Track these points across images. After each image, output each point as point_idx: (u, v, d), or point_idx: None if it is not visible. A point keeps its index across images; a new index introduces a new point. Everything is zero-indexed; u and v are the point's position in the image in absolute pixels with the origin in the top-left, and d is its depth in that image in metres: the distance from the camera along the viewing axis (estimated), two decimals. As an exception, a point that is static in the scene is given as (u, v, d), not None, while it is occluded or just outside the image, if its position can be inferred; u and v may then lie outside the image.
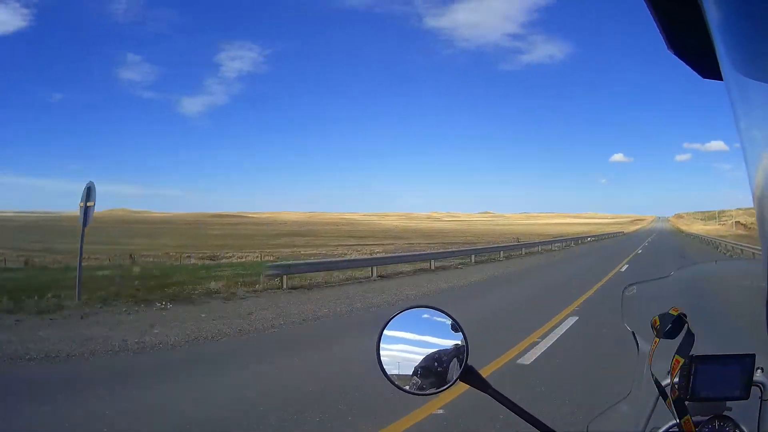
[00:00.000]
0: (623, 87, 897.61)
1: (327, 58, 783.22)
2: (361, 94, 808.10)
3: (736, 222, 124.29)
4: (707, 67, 0.63)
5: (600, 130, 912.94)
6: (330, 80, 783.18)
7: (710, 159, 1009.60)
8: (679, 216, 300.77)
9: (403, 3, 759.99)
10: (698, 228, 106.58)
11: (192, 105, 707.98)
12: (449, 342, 1.09)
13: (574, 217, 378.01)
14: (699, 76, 0.71)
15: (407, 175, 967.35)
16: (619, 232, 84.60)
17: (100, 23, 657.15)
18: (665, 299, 1.22)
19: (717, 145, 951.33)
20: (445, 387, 1.08)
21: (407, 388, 1.09)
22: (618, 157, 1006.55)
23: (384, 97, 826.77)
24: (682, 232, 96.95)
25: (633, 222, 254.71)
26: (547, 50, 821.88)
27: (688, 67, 0.70)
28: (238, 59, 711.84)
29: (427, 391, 1.08)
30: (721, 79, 0.53)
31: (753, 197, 0.49)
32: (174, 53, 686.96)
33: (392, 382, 1.10)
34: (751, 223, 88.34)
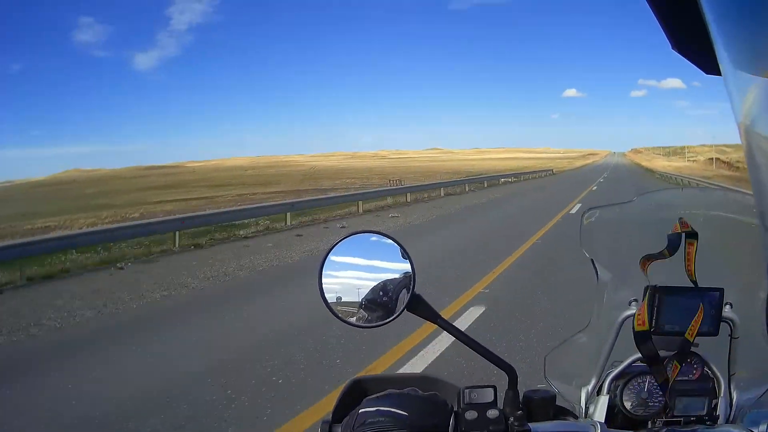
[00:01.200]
0: (576, 23, 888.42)
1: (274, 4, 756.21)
2: (309, 33, 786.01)
3: (713, 159, 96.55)
4: (708, 61, 0.61)
5: (552, 66, 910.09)
6: (275, 24, 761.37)
7: (667, 96, 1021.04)
8: (636, 150, 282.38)
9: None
10: (662, 164, 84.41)
11: (145, 60, 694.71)
12: (397, 269, 1.00)
13: (527, 151, 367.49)
14: (699, 73, 0.69)
15: (356, 114, 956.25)
16: (548, 170, 58.88)
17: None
18: (626, 225, 1.23)
19: (674, 82, 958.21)
20: (391, 317, 0.98)
21: (352, 320, 1.00)
22: (571, 92, 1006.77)
23: (334, 35, 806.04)
24: (643, 168, 73.51)
25: (585, 156, 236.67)
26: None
27: (688, 63, 0.70)
28: (188, 11, 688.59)
29: (374, 323, 0.99)
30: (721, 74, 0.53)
31: (754, 192, 0.50)
32: (124, 10, 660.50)
33: (335, 314, 0.99)
34: (737, 161, 68.76)
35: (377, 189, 25.64)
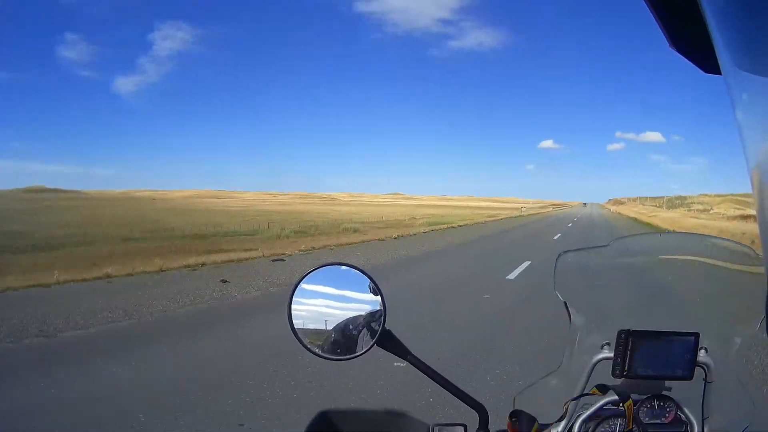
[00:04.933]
0: (554, 75, 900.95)
1: (256, 42, 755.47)
2: (288, 78, 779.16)
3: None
4: (708, 61, 0.60)
5: (530, 117, 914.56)
6: (257, 65, 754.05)
7: (646, 149, 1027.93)
8: (617, 201, 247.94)
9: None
10: (692, 222, 44.28)
11: (125, 84, 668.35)
12: (366, 303, 0.99)
13: (491, 200, 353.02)
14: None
15: (330, 159, 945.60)
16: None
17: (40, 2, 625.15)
18: (602, 269, 1.22)
19: (653, 136, 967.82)
20: (360, 352, 0.98)
21: (318, 351, 0.98)
22: (547, 143, 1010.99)
23: (314, 81, 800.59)
24: (649, 226, 38.04)
25: (543, 207, 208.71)
26: (477, 37, 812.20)
27: (687, 62, 0.67)
28: (169, 38, 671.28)
29: (341, 356, 0.98)
30: (721, 73, 0.53)
31: (753, 193, 0.48)
32: (109, 32, 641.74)
33: (301, 342, 0.99)
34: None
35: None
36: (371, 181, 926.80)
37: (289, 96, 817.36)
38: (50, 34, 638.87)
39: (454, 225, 34.94)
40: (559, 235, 26.09)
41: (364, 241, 20.92)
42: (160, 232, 27.92)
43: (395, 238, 22.83)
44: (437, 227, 32.45)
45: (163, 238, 24.93)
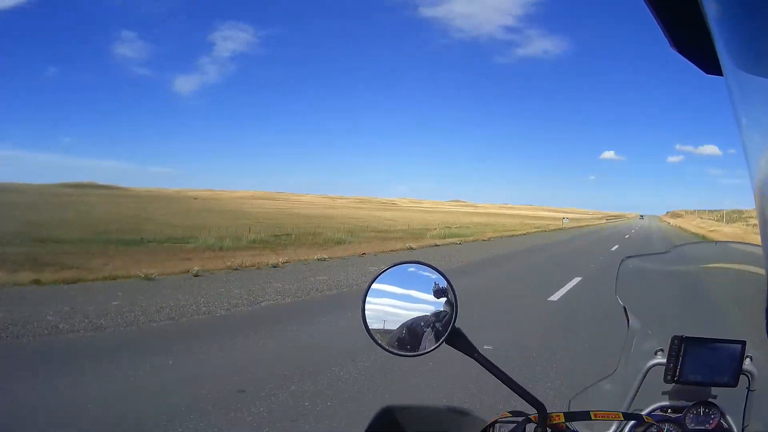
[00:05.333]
0: (618, 85, 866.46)
1: (320, 44, 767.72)
2: (353, 81, 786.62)
3: None
4: (709, 62, 0.61)
5: (592, 127, 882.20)
6: (321, 67, 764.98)
7: (703, 163, 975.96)
8: (675, 214, 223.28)
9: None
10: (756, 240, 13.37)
11: (185, 84, 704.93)
12: (439, 301, 1.00)
13: (550, 210, 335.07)
14: (700, 74, 0.68)
15: (393, 164, 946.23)
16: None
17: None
18: (662, 275, 1.25)
19: (710, 149, 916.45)
20: (429, 349, 0.98)
21: (387, 346, 1.00)
22: (609, 154, 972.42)
23: (378, 85, 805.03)
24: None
25: (604, 218, 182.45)
26: (542, 45, 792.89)
27: (690, 64, 0.68)
28: (231, 39, 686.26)
29: (411, 352, 0.99)
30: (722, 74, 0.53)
31: (753, 193, 0.48)
32: (167, 31, 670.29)
33: (374, 339, 1.01)
34: None
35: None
36: (434, 188, 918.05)
37: (355, 100, 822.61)
38: (107, 31, 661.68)
39: (468, 238, 27.54)
40: (592, 265, 17.92)
41: (301, 261, 14.65)
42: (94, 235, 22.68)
43: (360, 256, 16.43)
44: (444, 240, 25.41)
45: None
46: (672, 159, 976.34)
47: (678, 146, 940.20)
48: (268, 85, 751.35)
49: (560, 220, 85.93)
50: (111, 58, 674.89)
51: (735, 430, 1.05)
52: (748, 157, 0.47)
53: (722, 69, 0.50)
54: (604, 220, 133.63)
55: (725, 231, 51.76)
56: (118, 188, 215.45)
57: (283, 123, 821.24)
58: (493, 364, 0.98)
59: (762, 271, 1.07)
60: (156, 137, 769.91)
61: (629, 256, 1.19)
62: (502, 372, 0.99)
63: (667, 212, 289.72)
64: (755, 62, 0.47)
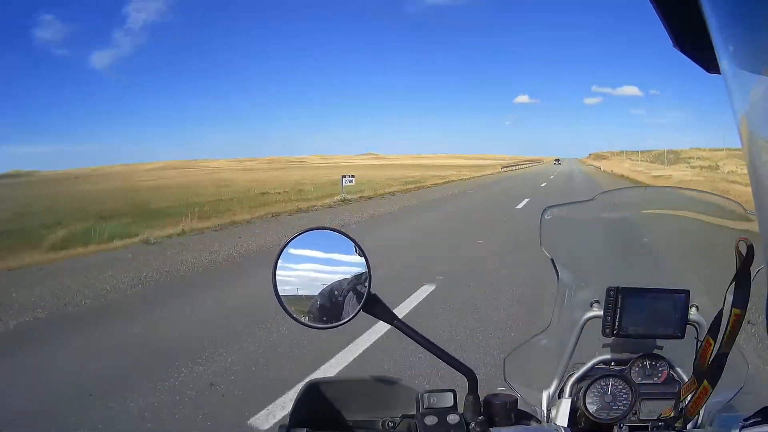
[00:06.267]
0: (528, 28, 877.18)
1: (219, 5, 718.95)
2: (262, 37, 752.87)
3: None
4: (710, 60, 0.60)
5: (504, 72, 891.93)
6: (226, 26, 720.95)
7: (624, 103, 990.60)
8: (600, 156, 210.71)
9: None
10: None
11: (100, 59, 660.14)
12: (352, 268, 0.97)
13: (465, 158, 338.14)
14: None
15: (304, 121, 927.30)
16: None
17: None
18: (588, 224, 1.21)
19: (630, 90, 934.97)
20: (346, 319, 0.95)
21: (304, 319, 0.96)
22: (523, 98, 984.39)
23: (285, 41, 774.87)
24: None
25: (521, 162, 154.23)
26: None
27: (690, 62, 0.69)
28: (144, 10, 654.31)
29: (327, 324, 0.96)
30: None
31: (752, 189, 0.49)
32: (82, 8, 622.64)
33: (287, 311, 0.95)
34: None
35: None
36: (345, 143, 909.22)
37: (260, 58, 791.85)
38: (30, 17, 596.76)
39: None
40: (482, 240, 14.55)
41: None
42: None
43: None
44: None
45: None
46: (589, 100, 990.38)
47: (595, 87, 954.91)
48: (179, 52, 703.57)
49: (479, 167, 78.53)
50: (33, 43, 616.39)
51: (687, 381, 1.00)
52: (747, 156, 0.47)
53: (720, 66, 0.50)
54: (500, 168, 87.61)
55: (676, 177, 38.96)
56: (32, 174, 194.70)
57: (190, 90, 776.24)
58: (414, 331, 0.94)
59: (705, 217, 1.06)
60: (79, 116, 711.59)
61: (551, 206, 1.11)
62: (425, 338, 0.94)
63: (590, 154, 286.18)
64: (755, 60, 0.46)
